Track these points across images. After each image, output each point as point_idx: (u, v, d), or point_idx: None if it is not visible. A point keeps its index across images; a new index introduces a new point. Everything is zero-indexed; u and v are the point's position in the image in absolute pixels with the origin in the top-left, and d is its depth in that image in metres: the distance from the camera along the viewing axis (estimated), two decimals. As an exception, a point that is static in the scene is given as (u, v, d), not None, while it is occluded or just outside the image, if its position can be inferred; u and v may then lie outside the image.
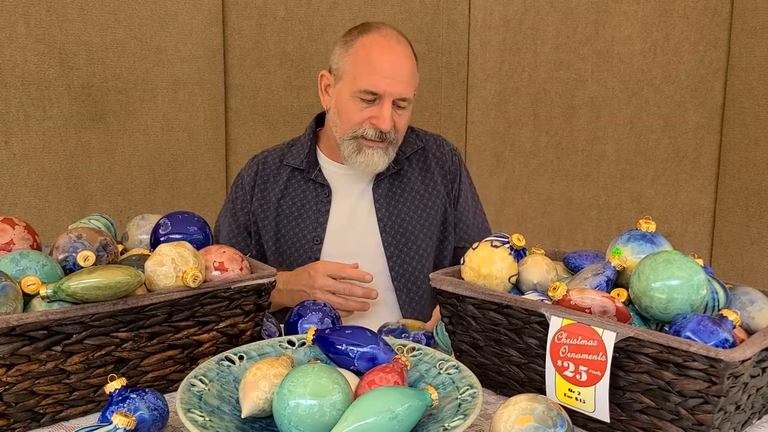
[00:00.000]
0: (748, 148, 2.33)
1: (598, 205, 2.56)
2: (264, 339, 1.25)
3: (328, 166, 1.64)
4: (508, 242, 1.21)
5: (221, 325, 1.14)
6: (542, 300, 1.07)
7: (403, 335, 1.31)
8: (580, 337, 0.96)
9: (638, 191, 2.51)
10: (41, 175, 2.14)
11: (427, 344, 1.31)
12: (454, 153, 1.72)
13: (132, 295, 1.02)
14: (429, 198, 1.65)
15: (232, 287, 1.12)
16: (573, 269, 1.22)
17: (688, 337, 0.92)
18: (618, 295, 1.05)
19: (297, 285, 1.49)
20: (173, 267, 1.06)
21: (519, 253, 1.21)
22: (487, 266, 1.12)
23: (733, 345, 0.91)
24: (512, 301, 1.06)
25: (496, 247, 1.14)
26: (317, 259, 1.59)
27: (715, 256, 2.44)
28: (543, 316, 1.02)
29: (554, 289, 1.02)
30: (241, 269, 1.17)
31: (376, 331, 1.35)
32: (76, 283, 0.95)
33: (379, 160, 1.54)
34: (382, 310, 1.58)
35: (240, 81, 2.43)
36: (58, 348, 0.98)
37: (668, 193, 2.48)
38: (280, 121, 2.50)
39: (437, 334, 1.31)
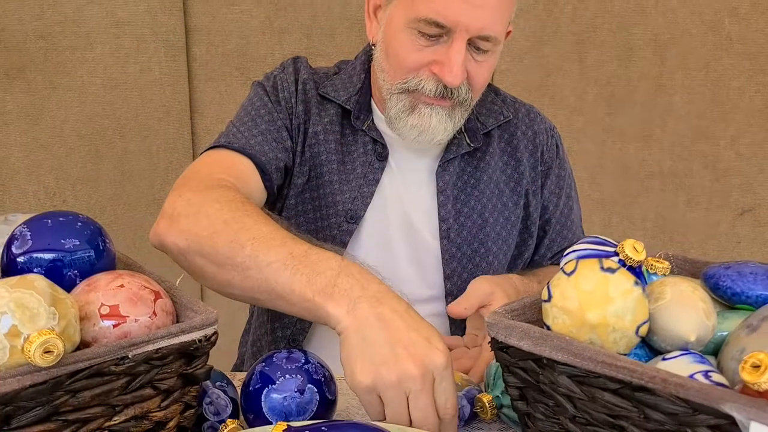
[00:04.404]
0: None
1: (662, 173, 2.05)
2: (208, 421, 0.76)
3: (382, 124, 1.10)
4: (617, 254, 0.71)
5: (117, 420, 0.63)
6: (710, 377, 0.57)
7: None
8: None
9: (714, 154, 2.01)
10: (-58, 150, 1.64)
11: (472, 415, 0.81)
12: (551, 134, 1.20)
13: None
14: (512, 195, 1.14)
15: (132, 355, 0.62)
16: (728, 298, 0.72)
17: None
18: None
19: (367, 321, 0.69)
20: (7, 330, 0.56)
21: (639, 275, 0.71)
22: (597, 308, 0.61)
23: None
24: (661, 381, 0.55)
25: (610, 270, 0.63)
26: (343, 244, 1.06)
27: (816, 235, 1.94)
28: (728, 417, 0.51)
29: (755, 367, 0.51)
30: (153, 313, 0.66)
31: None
32: None
33: (440, 124, 1.00)
34: None
35: (204, 23, 1.90)
36: None
37: (754, 157, 1.97)
38: (259, 75, 1.97)
39: (492, 389, 0.81)
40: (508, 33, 1.06)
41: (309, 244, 0.77)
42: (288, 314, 0.82)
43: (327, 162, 1.08)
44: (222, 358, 1.44)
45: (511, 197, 1.13)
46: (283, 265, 0.74)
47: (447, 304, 1.08)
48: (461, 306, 0.92)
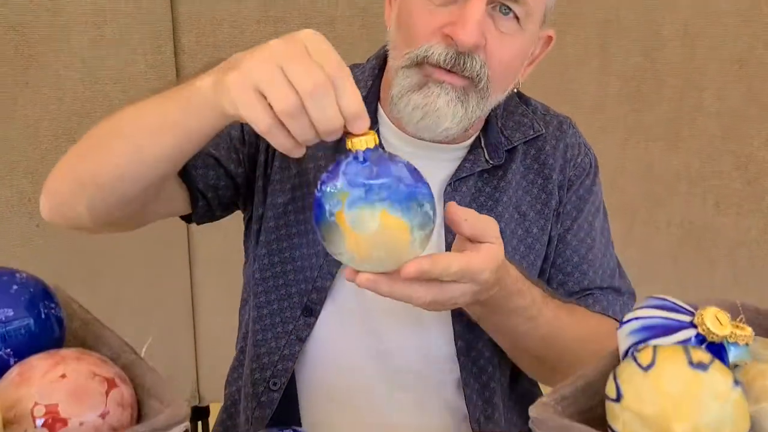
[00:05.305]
0: None
1: (689, 176, 1.91)
2: None
3: (388, 133, 0.96)
4: (693, 325, 0.57)
5: None
6: None
7: None
8: None
9: (747, 155, 1.87)
10: None
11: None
12: (585, 151, 1.03)
13: None
14: (538, 218, 0.97)
15: (72, 477, 0.47)
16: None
17: None
18: None
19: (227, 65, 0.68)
20: None
21: (722, 352, 0.56)
22: (688, 417, 0.47)
23: None
24: None
25: (701, 367, 0.48)
26: (318, 302, 0.94)
27: None
28: None
29: None
30: (105, 410, 0.51)
31: None
32: None
33: (447, 108, 0.86)
34: (438, 401, 0.95)
35: (194, 10, 1.75)
36: None
37: (790, 158, 1.84)
38: (253, 67, 1.85)
39: None
40: (550, 39, 0.92)
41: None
42: (203, 137, 0.75)
43: (316, 180, 0.94)
44: (218, 383, 1.31)
45: (537, 221, 0.97)
46: (155, 112, 0.78)
47: (456, 347, 0.93)
48: (461, 216, 0.71)
